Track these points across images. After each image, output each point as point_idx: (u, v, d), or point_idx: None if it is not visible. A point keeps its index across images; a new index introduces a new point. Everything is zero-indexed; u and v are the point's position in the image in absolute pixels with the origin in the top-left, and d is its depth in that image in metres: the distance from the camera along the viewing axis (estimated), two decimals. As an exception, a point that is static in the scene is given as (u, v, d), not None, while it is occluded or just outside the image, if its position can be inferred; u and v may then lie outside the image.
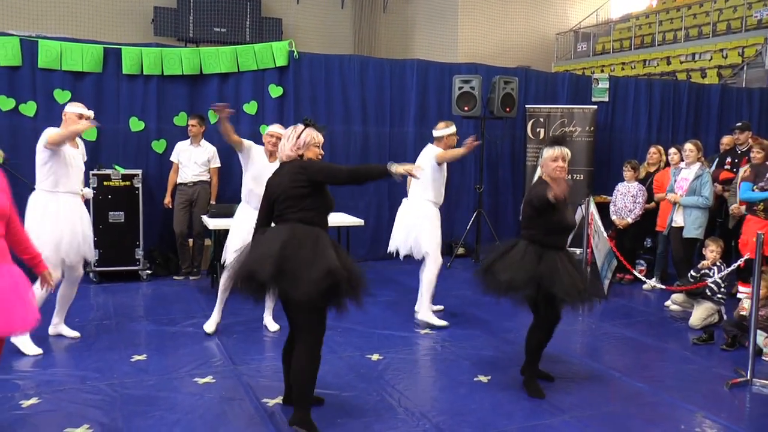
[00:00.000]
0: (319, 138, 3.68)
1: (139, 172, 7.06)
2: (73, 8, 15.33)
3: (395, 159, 8.48)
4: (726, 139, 8.22)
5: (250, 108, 7.84)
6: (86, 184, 5.61)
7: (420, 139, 8.44)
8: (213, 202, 7.25)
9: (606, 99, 9.79)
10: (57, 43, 7.06)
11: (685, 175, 6.85)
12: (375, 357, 4.82)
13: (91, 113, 4.95)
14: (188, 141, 7.22)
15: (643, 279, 6.77)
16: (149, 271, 7.19)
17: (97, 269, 6.86)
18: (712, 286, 5.84)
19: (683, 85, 10.72)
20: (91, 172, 6.69)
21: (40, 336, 4.77)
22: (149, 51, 7.38)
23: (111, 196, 6.85)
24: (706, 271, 5.95)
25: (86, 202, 5.21)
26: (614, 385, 4.44)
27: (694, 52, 17.04)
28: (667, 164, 7.47)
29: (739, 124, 7.80)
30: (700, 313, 5.86)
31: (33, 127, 6.81)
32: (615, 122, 9.96)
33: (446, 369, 4.67)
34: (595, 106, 9.29)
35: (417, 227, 5.75)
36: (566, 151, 4.22)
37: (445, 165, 5.82)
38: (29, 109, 6.96)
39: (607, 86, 9.80)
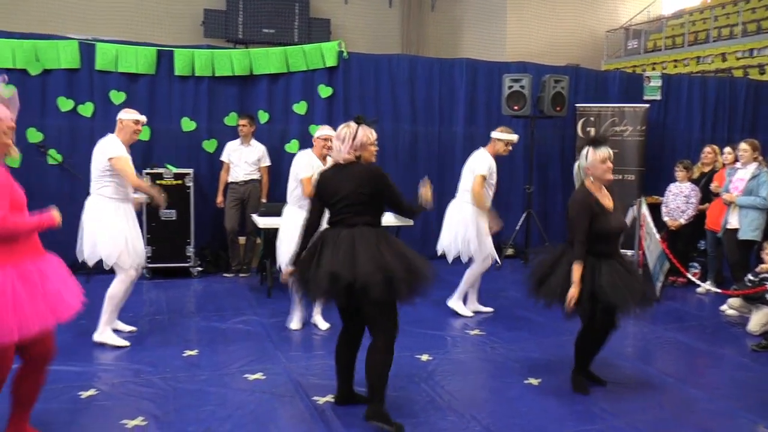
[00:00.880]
0: (373, 136, 3.68)
1: (190, 171, 7.21)
2: (127, 12, 15.77)
3: (443, 158, 8.60)
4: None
5: (300, 108, 7.91)
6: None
7: (469, 138, 8.41)
8: (264, 200, 7.34)
9: (658, 97, 9.56)
10: (113, 45, 7.25)
11: (741, 176, 6.62)
12: (425, 357, 4.80)
13: (144, 118, 5.06)
14: (238, 141, 7.33)
15: (698, 282, 6.59)
16: (200, 268, 7.33)
17: (150, 265, 7.03)
18: (772, 290, 5.64)
19: (740, 82, 10.39)
20: (144, 171, 6.85)
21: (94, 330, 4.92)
22: (201, 53, 7.52)
23: (163, 195, 6.97)
24: (766, 274, 5.76)
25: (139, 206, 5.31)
26: (668, 391, 4.32)
27: (752, 48, 16.49)
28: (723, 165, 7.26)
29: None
30: (760, 319, 5.66)
31: (90, 127, 7.07)
32: (667, 121, 9.72)
33: (496, 371, 4.63)
34: (647, 105, 9.08)
35: (463, 230, 5.74)
36: (611, 150, 4.14)
37: (494, 173, 5.80)
38: (87, 109, 7.17)
39: (660, 84, 9.56)
